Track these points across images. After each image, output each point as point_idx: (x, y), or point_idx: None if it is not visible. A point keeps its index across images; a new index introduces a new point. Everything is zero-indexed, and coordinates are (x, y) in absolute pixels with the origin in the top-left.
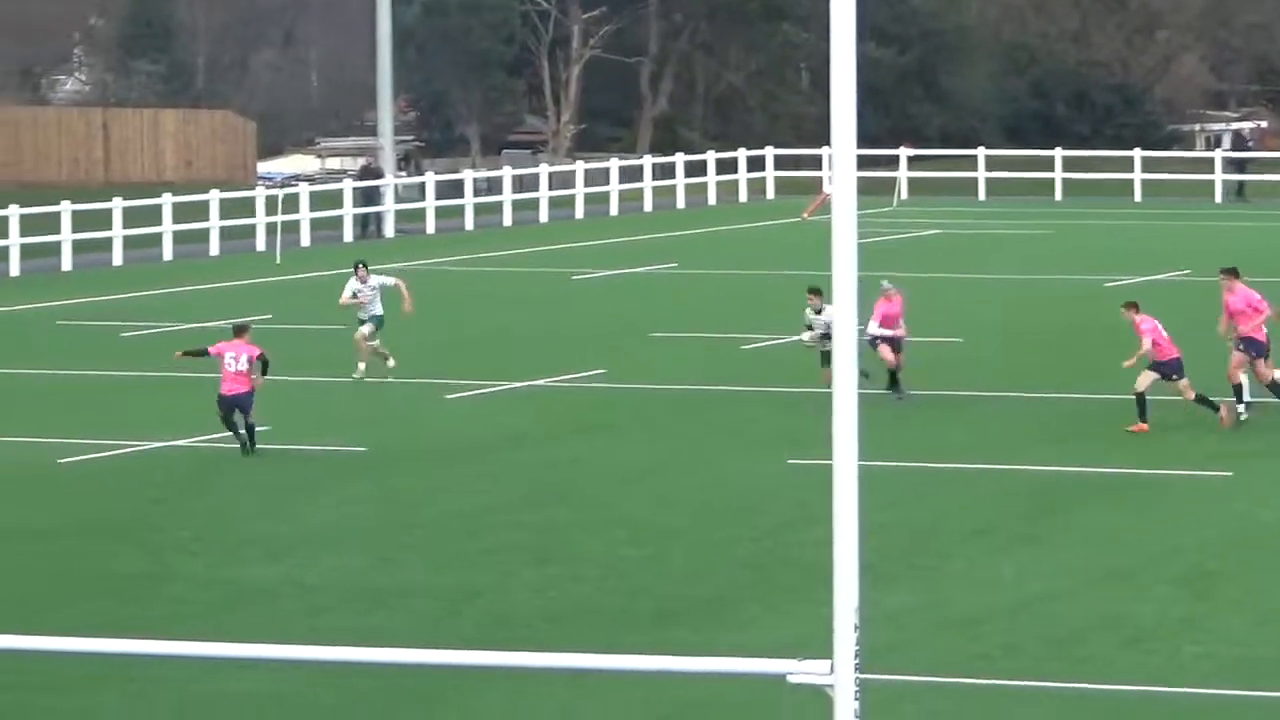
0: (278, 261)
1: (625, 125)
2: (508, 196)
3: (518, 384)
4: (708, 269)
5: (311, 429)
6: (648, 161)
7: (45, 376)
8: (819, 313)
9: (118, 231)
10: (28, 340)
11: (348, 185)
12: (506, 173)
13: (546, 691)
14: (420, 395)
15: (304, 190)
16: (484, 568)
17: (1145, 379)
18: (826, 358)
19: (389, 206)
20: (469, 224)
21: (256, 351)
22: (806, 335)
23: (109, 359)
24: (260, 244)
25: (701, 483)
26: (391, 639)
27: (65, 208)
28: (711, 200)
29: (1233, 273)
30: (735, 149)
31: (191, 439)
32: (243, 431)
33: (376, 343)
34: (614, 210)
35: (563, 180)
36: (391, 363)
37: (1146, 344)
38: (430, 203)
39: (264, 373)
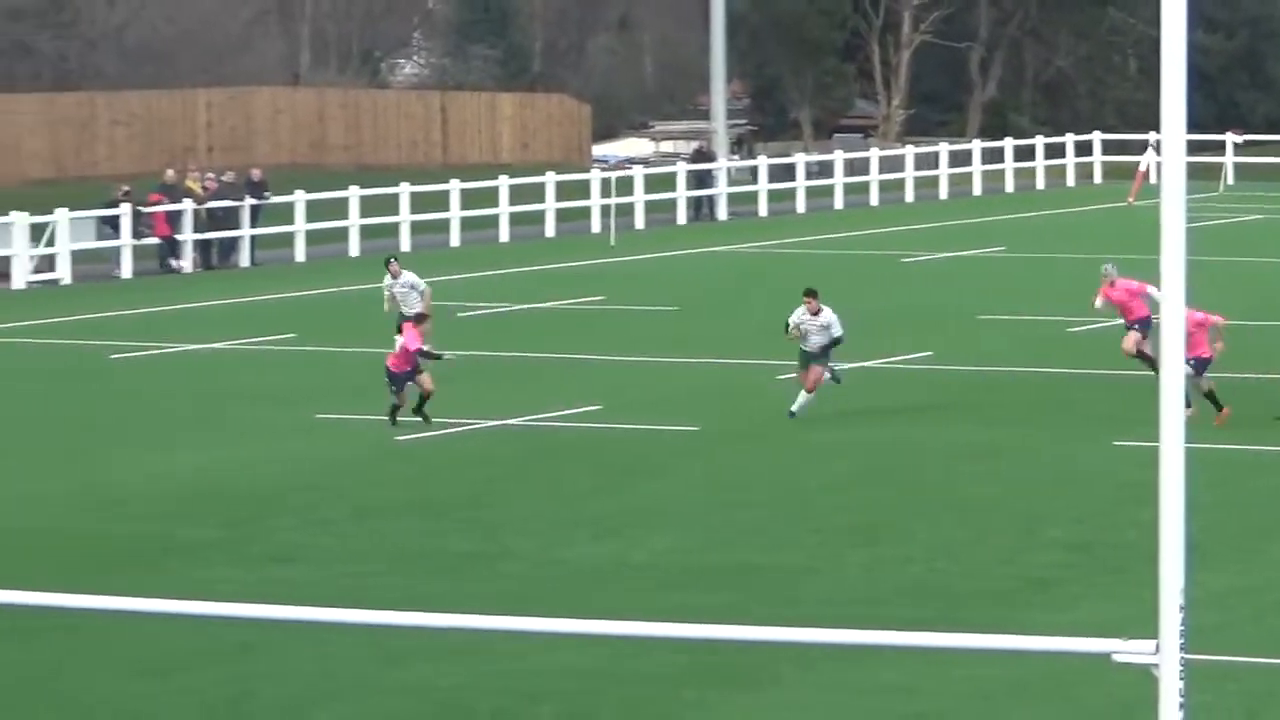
0: (612, 243)
1: (955, 110)
2: (839, 180)
3: (847, 365)
4: (1035, 252)
5: (644, 409)
6: (977, 146)
7: (378, 355)
8: (816, 314)
9: (455, 213)
10: (366, 319)
11: (681, 168)
12: (838, 156)
13: (873, 669)
14: (751, 376)
15: (638, 173)
16: (814, 547)
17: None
18: (806, 358)
19: (722, 189)
20: (800, 207)
21: (414, 347)
22: (800, 325)
23: (445, 338)
24: (595, 226)
25: (1026, 464)
26: (722, 617)
27: (404, 189)
28: (1040, 185)
29: None
30: (1063, 134)
31: (524, 418)
32: (397, 403)
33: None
34: (943, 194)
35: (893, 164)
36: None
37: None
38: (763, 186)
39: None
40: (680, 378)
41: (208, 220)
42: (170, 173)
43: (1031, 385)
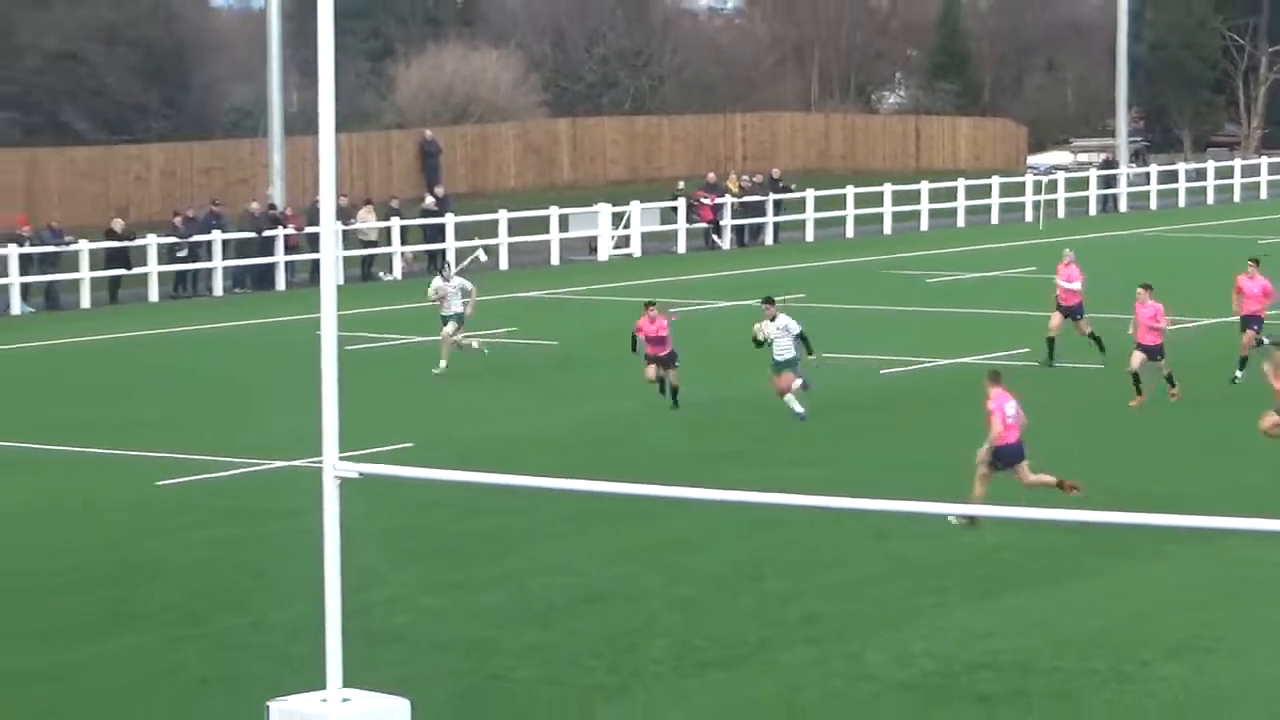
0: (1040, 229)
1: None
2: (1210, 183)
3: (1202, 321)
4: None
5: (1061, 352)
6: None
7: (869, 311)
8: (773, 320)
9: (924, 205)
10: (858, 284)
11: (1092, 173)
12: (1210, 165)
13: (1232, 547)
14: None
15: (1061, 177)
16: (1179, 459)
17: (1135, 359)
18: (778, 367)
19: (1123, 189)
20: (1181, 202)
21: (664, 328)
22: (763, 331)
23: (917, 299)
24: (1028, 216)
25: None
26: (1111, 506)
27: (886, 188)
28: None
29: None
30: None
31: (972, 358)
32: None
33: (459, 337)
34: None
35: (1251, 171)
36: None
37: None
38: (1153, 186)
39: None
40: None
41: (741, 210)
42: (711, 175)
43: None
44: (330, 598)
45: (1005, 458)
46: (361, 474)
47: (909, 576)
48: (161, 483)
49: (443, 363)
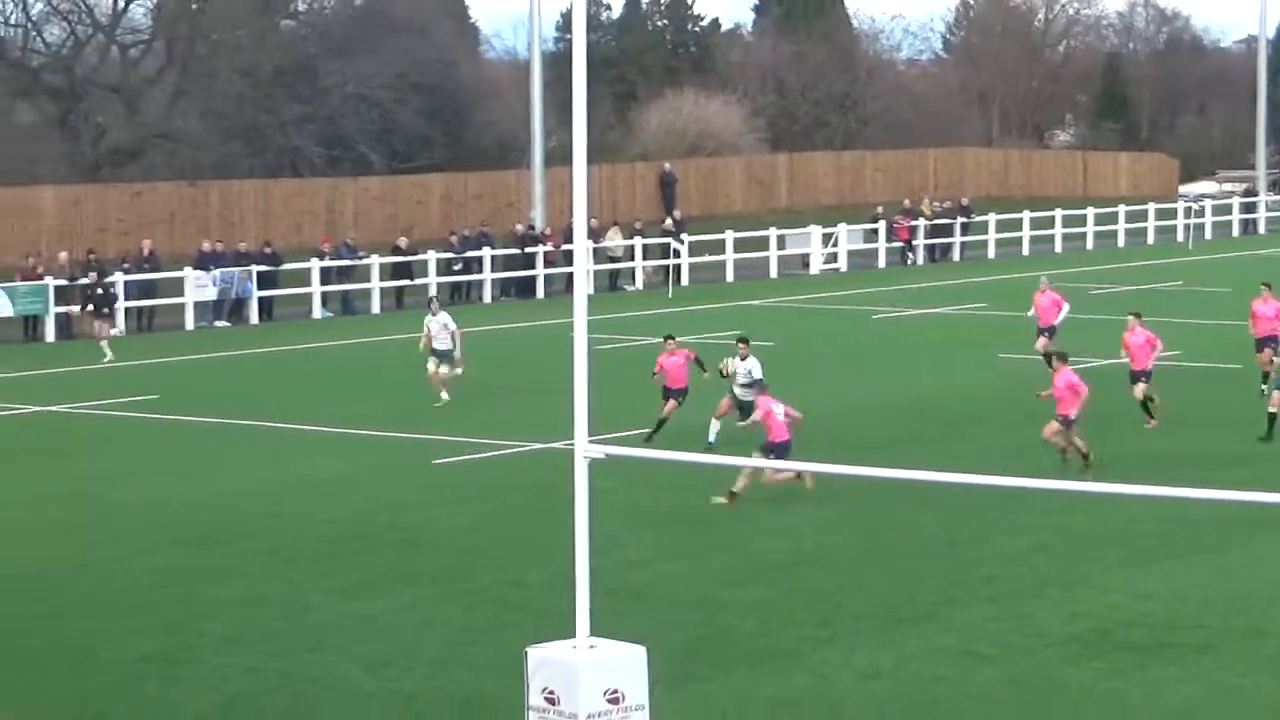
0: (1190, 248)
1: None
2: None
3: None
4: None
5: (1205, 353)
6: None
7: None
8: (744, 359)
9: (1090, 228)
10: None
11: (1235, 201)
12: None
13: None
14: None
15: (1208, 204)
16: None
17: (1138, 389)
18: (739, 403)
19: (1262, 214)
20: None
21: (690, 355)
22: (729, 366)
23: (1083, 308)
24: (1179, 236)
25: None
26: (1236, 486)
27: (1057, 213)
28: None
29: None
30: None
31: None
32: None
33: (444, 372)
34: None
35: None
36: (445, 396)
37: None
38: None
39: (702, 369)
40: (1229, 335)
41: (933, 231)
42: (907, 201)
43: None
44: (580, 560)
45: (777, 451)
46: (607, 455)
47: (1073, 546)
48: (437, 461)
49: (444, 394)
